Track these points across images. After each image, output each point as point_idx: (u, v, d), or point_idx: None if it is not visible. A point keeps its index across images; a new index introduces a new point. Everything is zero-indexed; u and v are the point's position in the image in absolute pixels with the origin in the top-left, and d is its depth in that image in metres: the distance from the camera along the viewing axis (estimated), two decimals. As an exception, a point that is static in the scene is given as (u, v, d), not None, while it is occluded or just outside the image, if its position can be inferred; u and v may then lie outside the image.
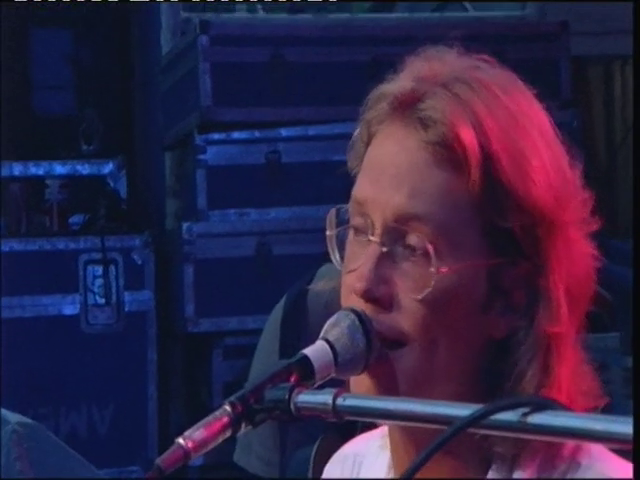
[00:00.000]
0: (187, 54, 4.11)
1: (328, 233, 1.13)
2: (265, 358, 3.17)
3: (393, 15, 4.58)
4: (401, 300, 1.07)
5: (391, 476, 1.15)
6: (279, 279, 3.34)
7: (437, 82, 1.09)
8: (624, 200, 4.87)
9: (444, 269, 1.06)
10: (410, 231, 1.07)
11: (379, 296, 1.08)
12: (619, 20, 4.58)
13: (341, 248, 1.12)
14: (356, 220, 1.10)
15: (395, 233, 1.08)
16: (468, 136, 1.06)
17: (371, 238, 1.08)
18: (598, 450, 1.05)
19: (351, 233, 1.11)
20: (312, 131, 3.95)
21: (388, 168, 1.09)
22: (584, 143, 4.17)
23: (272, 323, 3.19)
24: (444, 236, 1.06)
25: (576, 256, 1.08)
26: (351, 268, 1.10)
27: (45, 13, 4.36)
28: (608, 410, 1.00)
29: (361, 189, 1.10)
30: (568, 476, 1.05)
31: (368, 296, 1.08)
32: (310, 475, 2.83)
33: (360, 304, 1.09)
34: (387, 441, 1.15)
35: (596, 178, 4.62)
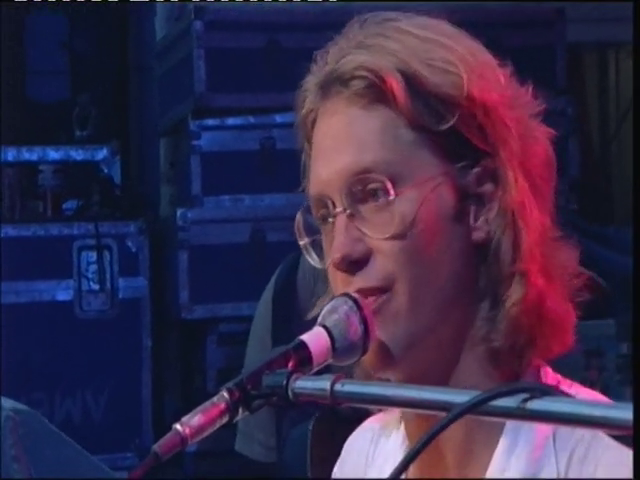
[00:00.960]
0: (182, 40, 4.10)
1: (301, 243, 1.15)
2: (257, 342, 3.17)
3: (390, 2, 4.57)
4: (377, 246, 1.09)
5: (405, 448, 1.15)
6: (273, 266, 3.33)
7: (348, 47, 1.13)
8: (618, 187, 4.87)
9: (403, 191, 1.08)
10: (367, 182, 1.09)
11: (357, 256, 1.09)
12: (614, 7, 4.57)
13: (319, 253, 1.14)
14: (319, 213, 1.13)
15: (353, 193, 1.10)
16: (383, 69, 1.10)
17: (335, 211, 1.10)
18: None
19: (322, 230, 1.13)
20: (307, 118, 3.93)
21: (328, 144, 1.11)
22: (579, 131, 4.16)
23: (262, 305, 3.19)
24: (396, 169, 1.09)
25: (525, 133, 1.11)
26: (329, 261, 1.12)
27: (39, -1, 4.35)
28: (606, 395, 1.01)
29: (313, 183, 1.13)
30: (586, 436, 1.05)
31: (347, 260, 1.10)
32: (308, 453, 2.84)
33: (344, 278, 1.10)
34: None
35: (590, 165, 4.62)
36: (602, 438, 1.04)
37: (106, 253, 3.84)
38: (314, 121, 1.14)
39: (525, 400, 0.85)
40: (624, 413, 0.79)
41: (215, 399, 1.03)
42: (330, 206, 1.11)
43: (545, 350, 1.10)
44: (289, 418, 2.91)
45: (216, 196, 3.91)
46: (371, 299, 1.09)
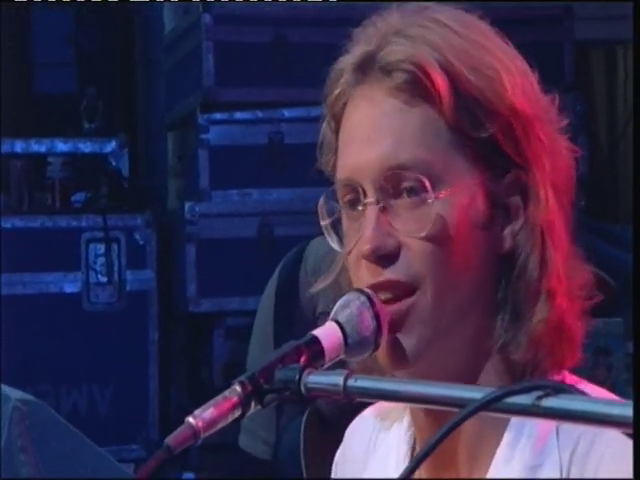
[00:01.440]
0: (190, 33, 4.10)
1: (322, 223, 1.14)
2: (260, 336, 3.17)
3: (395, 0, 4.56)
4: (408, 244, 1.09)
5: (409, 437, 1.15)
6: (280, 260, 3.33)
7: (389, 32, 1.12)
8: (626, 185, 4.86)
9: (441, 195, 1.08)
10: (402, 178, 1.09)
11: (387, 251, 1.09)
12: (622, 4, 4.56)
13: (338, 233, 1.13)
14: (347, 197, 1.12)
15: (387, 186, 1.10)
16: (430, 66, 1.09)
17: (366, 201, 1.10)
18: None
19: (345, 213, 1.12)
20: (315, 112, 3.91)
21: (364, 133, 1.10)
22: (587, 128, 4.16)
23: (265, 299, 3.19)
24: (434, 169, 1.09)
25: (554, 149, 1.12)
26: (354, 242, 1.11)
27: (47, -9, 4.34)
28: (614, 394, 1.01)
29: (343, 168, 1.12)
30: (589, 430, 1.06)
31: (377, 254, 1.09)
32: (301, 448, 2.84)
33: (371, 268, 1.09)
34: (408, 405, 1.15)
35: (598, 163, 4.61)
36: (606, 432, 1.05)
37: (114, 246, 3.85)
38: (346, 102, 1.12)
39: (540, 397, 0.85)
40: (640, 411, 0.79)
41: (227, 393, 1.02)
42: (361, 194, 1.10)
43: (558, 364, 1.11)
44: (286, 413, 2.92)
45: (224, 190, 3.91)
46: (396, 305, 1.09)
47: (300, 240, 3.31)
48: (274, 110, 3.94)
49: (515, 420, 1.08)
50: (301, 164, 4.00)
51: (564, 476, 1.06)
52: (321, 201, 1.14)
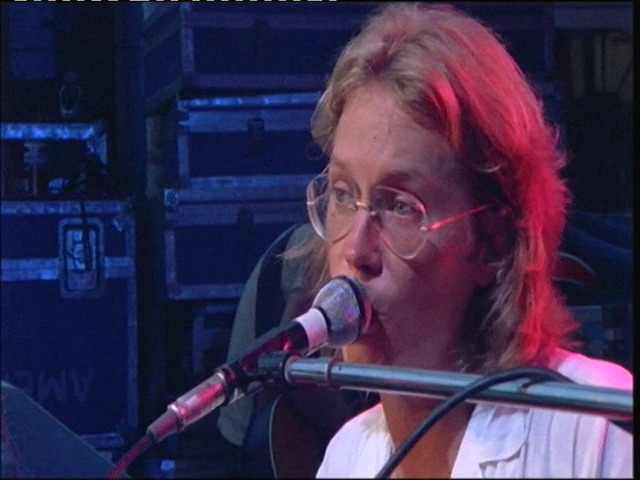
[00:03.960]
0: (169, 19, 4.07)
1: (309, 203, 1.13)
2: (242, 324, 3.18)
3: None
4: (391, 263, 1.08)
5: (388, 438, 1.15)
6: (261, 248, 3.32)
7: (406, 38, 1.10)
8: (604, 175, 4.88)
9: (435, 226, 1.07)
10: (399, 190, 1.08)
11: (370, 264, 1.08)
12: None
13: (323, 218, 1.12)
14: (339, 184, 1.10)
15: (382, 195, 1.08)
16: (445, 91, 1.07)
17: (358, 203, 1.08)
18: (580, 362, 1.08)
19: (333, 198, 1.11)
20: (295, 99, 3.92)
21: (369, 131, 1.09)
22: (566, 117, 4.17)
23: (248, 288, 3.19)
24: (431, 193, 1.08)
25: (549, 194, 1.11)
26: (338, 236, 1.10)
27: (25, -25, 4.30)
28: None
29: (343, 151, 1.10)
30: None
31: (360, 263, 1.08)
32: (270, 435, 2.85)
33: (351, 271, 1.09)
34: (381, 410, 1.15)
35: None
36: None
37: (92, 232, 3.82)
38: (355, 93, 1.10)
39: (525, 385, 0.85)
40: (626, 399, 0.79)
41: (210, 380, 1.02)
42: (354, 191, 1.09)
43: None
44: (260, 401, 2.93)
45: (204, 177, 3.90)
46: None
47: (280, 228, 3.31)
48: (254, 97, 3.93)
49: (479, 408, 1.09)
50: (281, 151, 3.98)
51: (526, 433, 1.06)
52: (311, 182, 1.13)
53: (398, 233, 1.07)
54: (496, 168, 1.07)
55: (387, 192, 1.07)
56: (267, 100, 3.93)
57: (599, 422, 1.04)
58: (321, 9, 3.99)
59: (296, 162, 3.85)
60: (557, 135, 1.12)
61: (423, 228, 1.06)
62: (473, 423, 1.09)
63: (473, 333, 1.09)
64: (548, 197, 1.10)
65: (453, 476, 1.09)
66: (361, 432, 1.19)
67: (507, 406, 1.07)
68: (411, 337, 1.08)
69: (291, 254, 1.16)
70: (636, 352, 1.08)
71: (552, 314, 1.10)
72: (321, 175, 1.13)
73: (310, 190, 1.12)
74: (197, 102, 3.91)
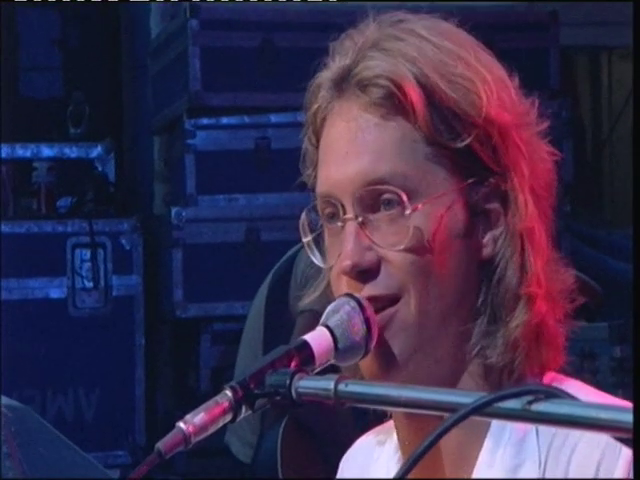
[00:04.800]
0: (177, 38, 4.10)
1: (304, 240, 1.14)
2: (249, 342, 3.18)
3: (385, 2, 4.57)
4: (387, 257, 1.09)
5: (398, 458, 1.16)
6: (268, 265, 3.33)
7: (364, 46, 1.12)
8: (610, 190, 4.88)
9: (418, 205, 1.09)
10: (380, 192, 1.10)
11: (367, 266, 1.10)
12: (606, 11, 4.58)
13: (320, 248, 1.14)
14: (326, 211, 1.12)
15: (365, 201, 1.10)
16: (405, 80, 1.09)
17: (345, 217, 1.10)
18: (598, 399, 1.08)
19: (326, 230, 1.13)
20: (302, 117, 3.92)
21: (341, 148, 1.11)
22: (572, 134, 4.18)
23: (256, 306, 3.20)
24: (412, 183, 1.10)
25: (533, 155, 1.12)
26: (335, 257, 1.12)
27: (33, -5, 4.33)
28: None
29: (322, 182, 1.12)
30: None
31: (357, 269, 1.10)
32: (279, 453, 2.84)
33: (352, 284, 1.10)
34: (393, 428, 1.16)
35: (583, 168, 4.63)
36: None
37: (100, 251, 3.84)
38: (325, 117, 1.13)
39: (530, 402, 0.85)
40: (630, 416, 0.79)
41: (218, 397, 1.02)
42: (339, 209, 1.11)
43: (538, 367, 1.11)
44: (267, 418, 2.93)
45: (211, 195, 3.91)
46: (378, 315, 1.09)
47: (287, 245, 3.31)
48: (261, 115, 3.95)
49: (496, 423, 1.09)
50: (288, 169, 3.97)
51: (542, 471, 1.07)
52: (303, 216, 1.14)
53: (387, 230, 1.10)
54: (470, 139, 1.09)
55: (369, 196, 1.10)
56: (274, 118, 3.95)
57: (622, 460, 1.04)
58: (326, 27, 4.01)
59: (302, 181, 3.86)
60: (536, 103, 1.14)
61: (407, 212, 1.09)
62: (490, 439, 1.10)
63: (483, 306, 1.10)
64: (532, 157, 1.12)
65: None
66: (373, 448, 1.19)
67: (523, 433, 1.07)
68: (423, 322, 1.09)
69: (306, 298, 1.18)
70: (636, 364, 1.09)
71: (554, 277, 1.11)
72: (310, 205, 1.14)
73: (304, 224, 1.14)
74: (204, 120, 3.93)
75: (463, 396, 0.90)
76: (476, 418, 1.03)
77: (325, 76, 1.14)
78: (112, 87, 4.47)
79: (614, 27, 4.72)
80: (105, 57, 4.49)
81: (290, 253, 3.15)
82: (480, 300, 1.11)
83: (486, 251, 1.11)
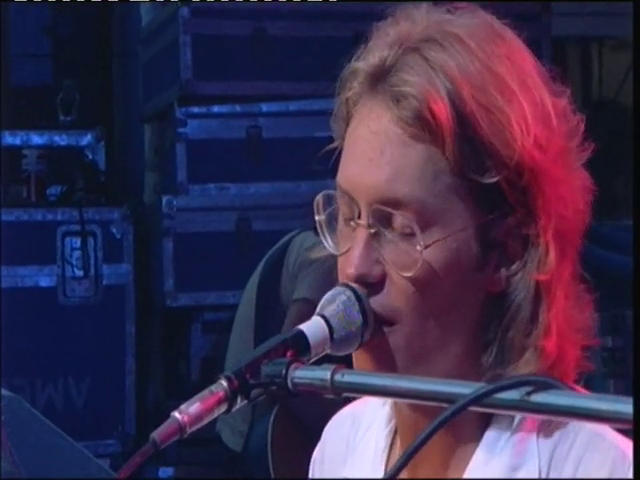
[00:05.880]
0: (168, 26, 4.08)
1: (317, 218, 1.12)
2: (240, 330, 3.17)
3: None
4: (393, 277, 1.08)
5: (387, 433, 1.14)
6: (259, 254, 3.32)
7: (407, 47, 1.08)
8: (602, 183, 4.88)
9: (431, 244, 1.06)
10: (395, 213, 1.07)
11: (372, 279, 1.08)
12: (597, 1, 4.57)
13: (331, 231, 1.12)
14: (342, 208, 1.11)
15: (380, 214, 1.08)
16: (439, 106, 1.06)
17: (358, 222, 1.09)
18: None
19: (341, 218, 1.12)
20: (293, 106, 3.93)
21: (366, 152, 1.09)
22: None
23: (247, 294, 3.19)
24: (428, 212, 1.07)
25: (564, 195, 1.07)
26: (343, 250, 1.11)
27: (23, -18, 4.31)
28: (588, 389, 1.01)
29: (343, 175, 1.11)
30: (569, 434, 1.06)
31: (362, 281, 1.08)
32: (269, 442, 2.84)
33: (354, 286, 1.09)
34: (387, 401, 1.15)
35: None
36: (584, 436, 1.05)
37: (90, 239, 3.82)
38: (356, 105, 1.10)
39: (529, 393, 0.85)
40: (630, 407, 0.79)
41: (213, 387, 1.01)
42: (355, 210, 1.09)
43: None
44: (259, 408, 2.93)
45: (202, 184, 3.90)
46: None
47: (278, 234, 3.31)
48: (252, 104, 3.93)
49: (495, 421, 1.08)
50: (279, 158, 3.99)
51: (545, 472, 1.05)
52: (319, 197, 1.12)
53: (397, 250, 1.07)
54: (498, 178, 1.05)
55: (384, 212, 1.08)
56: (265, 107, 3.93)
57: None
58: (319, 16, 4.00)
59: (294, 169, 3.86)
60: (582, 125, 1.09)
61: (418, 248, 1.06)
62: (485, 442, 1.08)
63: (488, 345, 1.07)
64: (562, 197, 1.07)
65: None
66: (361, 419, 1.18)
67: (522, 434, 1.05)
68: (416, 349, 1.07)
69: (317, 253, 1.15)
70: (636, 356, 1.08)
71: (571, 322, 1.07)
72: (328, 192, 1.13)
73: (318, 203, 1.12)
74: (195, 109, 3.91)
75: (462, 387, 0.90)
76: (467, 426, 1.03)
77: (361, 66, 1.10)
78: (102, 75, 4.45)
79: (605, 17, 4.71)
80: (95, 45, 4.47)
81: (282, 242, 3.14)
82: (489, 336, 1.07)
83: (499, 286, 1.07)
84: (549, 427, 1.06)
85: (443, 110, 1.05)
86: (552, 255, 1.06)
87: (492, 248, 1.08)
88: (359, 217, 1.09)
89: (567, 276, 1.08)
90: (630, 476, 1.02)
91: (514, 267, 1.07)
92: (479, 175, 1.06)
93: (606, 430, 1.05)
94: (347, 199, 1.10)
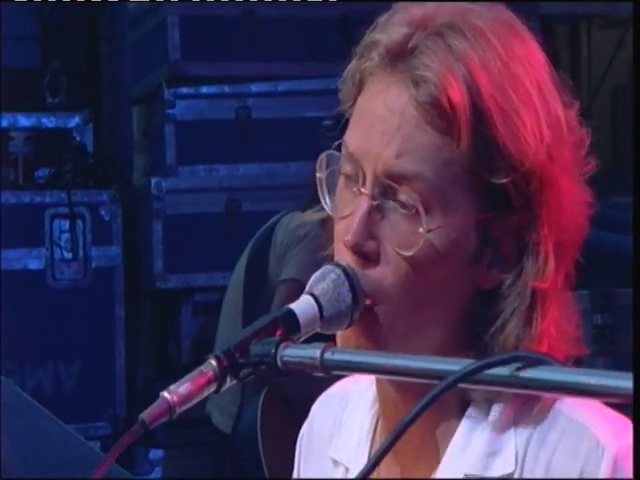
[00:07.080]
0: (156, 6, 4.06)
1: (318, 175, 1.12)
2: (230, 312, 3.17)
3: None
4: (388, 254, 1.07)
5: (373, 413, 1.14)
6: (249, 235, 3.32)
7: (431, 30, 1.07)
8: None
9: (434, 228, 1.06)
10: (400, 188, 1.06)
11: (367, 251, 1.07)
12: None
13: (331, 191, 1.11)
14: (347, 168, 1.10)
15: (385, 188, 1.08)
16: (459, 96, 1.05)
17: (362, 190, 1.08)
18: (579, 402, 1.06)
19: (342, 180, 1.11)
20: (282, 87, 3.92)
21: (379, 123, 1.08)
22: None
23: (236, 274, 3.19)
24: (433, 195, 1.06)
25: (567, 207, 1.07)
26: (343, 214, 1.10)
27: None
28: (579, 366, 1.01)
29: (352, 138, 1.09)
30: (545, 422, 1.06)
31: (356, 250, 1.08)
32: (258, 423, 2.85)
33: (348, 255, 1.09)
34: (373, 381, 1.15)
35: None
36: (562, 423, 1.05)
37: (79, 222, 3.81)
38: (371, 75, 1.09)
39: (519, 369, 0.85)
40: (620, 382, 0.79)
41: (203, 367, 1.01)
42: (360, 176, 1.08)
43: None
44: (248, 389, 2.93)
45: (191, 165, 3.89)
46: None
47: (268, 215, 3.30)
48: (241, 85, 3.92)
49: (472, 407, 1.08)
50: (269, 139, 3.98)
51: (519, 464, 1.05)
52: (323, 155, 1.11)
53: (398, 226, 1.06)
54: (506, 180, 1.05)
55: (389, 186, 1.07)
56: (254, 88, 3.92)
57: (605, 466, 1.02)
58: (308, -3, 3.98)
59: (284, 149, 3.85)
60: (588, 140, 1.08)
61: (421, 229, 1.05)
62: (462, 429, 1.08)
63: (476, 342, 1.07)
64: (565, 208, 1.07)
65: (439, 476, 1.09)
66: (349, 398, 1.18)
67: (499, 421, 1.05)
68: (403, 328, 1.07)
69: (311, 216, 1.14)
70: (636, 342, 1.08)
71: (561, 333, 1.07)
72: (332, 151, 1.11)
73: (321, 162, 1.11)
74: (184, 90, 3.90)
75: (452, 364, 0.90)
76: (452, 400, 1.03)
77: (382, 39, 1.08)
78: (90, 57, 4.43)
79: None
80: (83, 27, 4.44)
81: (269, 223, 3.14)
82: (472, 330, 1.07)
83: (488, 284, 1.07)
84: (526, 415, 1.07)
85: (461, 101, 1.05)
86: (550, 265, 1.06)
87: (488, 244, 1.07)
88: (363, 185, 1.08)
89: (560, 287, 1.07)
90: (602, 461, 1.02)
91: (507, 268, 1.07)
92: (488, 174, 1.06)
93: (583, 417, 1.05)
94: (353, 160, 1.09)
